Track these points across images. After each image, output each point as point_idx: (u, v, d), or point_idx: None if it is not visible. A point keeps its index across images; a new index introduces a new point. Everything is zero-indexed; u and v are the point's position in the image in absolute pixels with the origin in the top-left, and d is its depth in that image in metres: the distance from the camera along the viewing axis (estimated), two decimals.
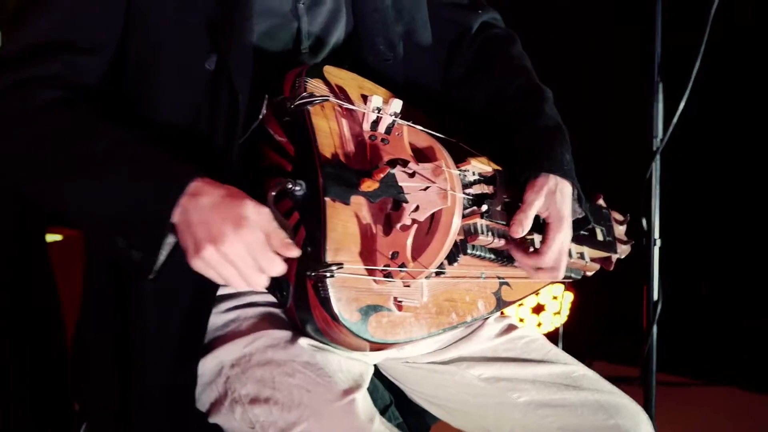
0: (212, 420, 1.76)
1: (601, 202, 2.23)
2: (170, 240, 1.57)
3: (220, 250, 1.52)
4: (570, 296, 3.92)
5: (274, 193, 1.59)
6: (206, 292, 1.73)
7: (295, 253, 1.57)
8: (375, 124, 1.74)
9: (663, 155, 2.54)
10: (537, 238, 1.89)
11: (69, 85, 1.68)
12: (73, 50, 1.68)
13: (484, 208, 1.79)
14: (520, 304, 3.94)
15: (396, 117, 1.74)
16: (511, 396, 1.98)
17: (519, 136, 1.94)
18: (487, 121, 2.02)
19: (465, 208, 1.79)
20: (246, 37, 1.74)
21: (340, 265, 1.60)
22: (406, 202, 1.69)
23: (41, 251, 2.95)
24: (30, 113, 1.64)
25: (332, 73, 1.76)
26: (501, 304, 1.98)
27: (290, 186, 1.61)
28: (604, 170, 3.82)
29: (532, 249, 1.88)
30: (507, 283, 1.99)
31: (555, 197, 1.86)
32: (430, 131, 1.81)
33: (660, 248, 2.57)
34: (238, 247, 1.53)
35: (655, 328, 2.57)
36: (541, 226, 1.89)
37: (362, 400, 1.71)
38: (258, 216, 1.55)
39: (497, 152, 1.91)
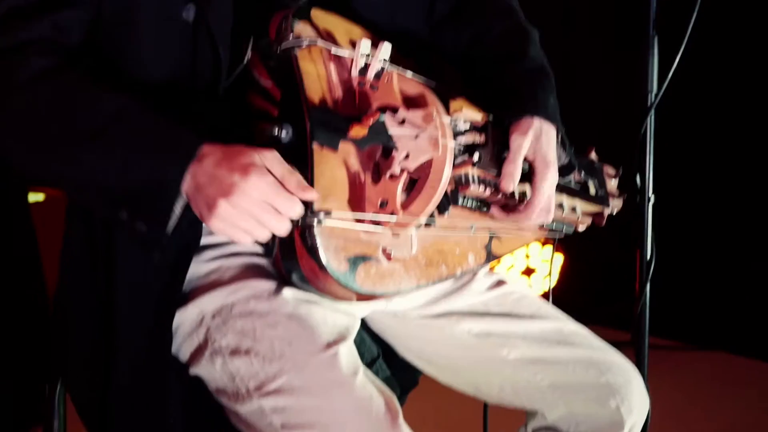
0: (193, 371, 1.72)
1: (593, 155, 2.19)
2: (177, 211, 1.53)
3: (233, 201, 1.47)
4: (560, 258, 3.90)
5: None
6: (188, 247, 1.69)
7: (312, 195, 1.52)
8: (364, 70, 1.70)
9: (657, 111, 2.50)
10: (525, 187, 1.86)
11: (58, 48, 1.62)
12: (56, 6, 1.62)
13: (476, 157, 1.75)
14: (511, 266, 3.92)
15: (385, 63, 1.70)
16: (501, 352, 1.95)
17: (502, 79, 1.90)
18: (472, 64, 1.98)
19: (456, 157, 1.75)
20: None
21: (328, 212, 1.56)
22: (396, 149, 1.65)
23: (23, 211, 2.93)
24: (24, 83, 1.56)
25: (320, 16, 1.71)
26: (491, 257, 1.95)
27: (276, 132, 1.57)
28: (598, 126, 3.77)
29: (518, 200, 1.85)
30: (497, 236, 1.96)
31: (541, 141, 1.82)
32: (419, 76, 1.76)
33: (653, 205, 2.53)
34: (251, 194, 1.48)
35: (647, 287, 2.53)
36: (527, 175, 1.86)
37: (346, 353, 1.68)
38: (265, 160, 1.50)
39: (484, 97, 1.88)
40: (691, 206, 4.31)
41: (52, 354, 1.85)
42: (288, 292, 1.68)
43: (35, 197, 3.02)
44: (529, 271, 3.95)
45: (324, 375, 1.63)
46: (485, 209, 1.85)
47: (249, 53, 1.67)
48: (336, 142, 1.60)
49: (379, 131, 1.64)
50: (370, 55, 1.69)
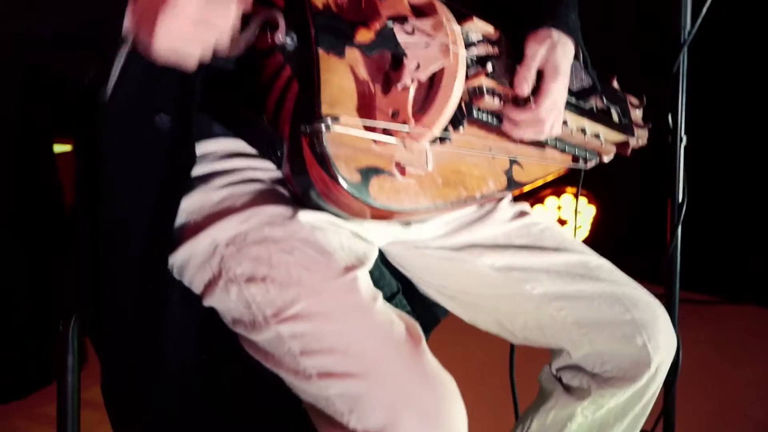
0: (206, 302, 1.65)
1: (615, 84, 2.13)
2: (123, 51, 1.45)
3: (165, 23, 1.39)
4: (592, 210, 3.82)
5: (256, 26, 1.50)
6: (181, 170, 1.64)
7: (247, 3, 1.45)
8: None
9: (691, 48, 2.41)
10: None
11: None
12: None
13: (489, 67, 1.69)
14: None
15: None
16: (525, 287, 1.89)
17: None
18: None
19: (468, 68, 1.69)
20: None
21: (335, 117, 1.50)
22: (405, 56, 1.59)
23: (49, 161, 2.90)
24: None
25: None
26: (512, 184, 1.88)
27: (280, 39, 1.52)
28: (629, 62, 3.66)
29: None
30: (518, 162, 1.90)
31: (556, 50, 1.78)
32: None
33: (685, 147, 2.44)
34: (183, 11, 1.39)
35: (679, 231, 2.45)
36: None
37: (365, 278, 1.61)
38: None
39: (503, 15, 1.82)
40: (724, 150, 4.17)
41: (66, 289, 1.81)
42: (303, 216, 1.62)
43: (61, 148, 2.99)
44: (561, 223, 3.88)
45: (342, 299, 1.57)
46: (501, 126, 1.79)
47: None
48: (342, 47, 1.54)
49: (387, 37, 1.58)
50: None
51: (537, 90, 1.78)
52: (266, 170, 1.68)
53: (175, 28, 1.41)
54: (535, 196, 3.99)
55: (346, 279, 1.58)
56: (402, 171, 1.61)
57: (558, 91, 1.79)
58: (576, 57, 1.86)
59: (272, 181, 1.69)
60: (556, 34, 1.78)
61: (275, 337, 1.56)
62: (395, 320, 1.58)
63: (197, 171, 1.66)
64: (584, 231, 4.01)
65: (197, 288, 1.67)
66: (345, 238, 1.66)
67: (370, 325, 1.55)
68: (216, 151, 1.69)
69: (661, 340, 1.86)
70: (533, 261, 1.90)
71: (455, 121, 1.68)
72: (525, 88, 1.75)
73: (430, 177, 1.67)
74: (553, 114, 1.80)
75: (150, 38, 1.41)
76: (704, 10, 2.35)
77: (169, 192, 1.64)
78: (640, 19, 4.11)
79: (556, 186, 3.86)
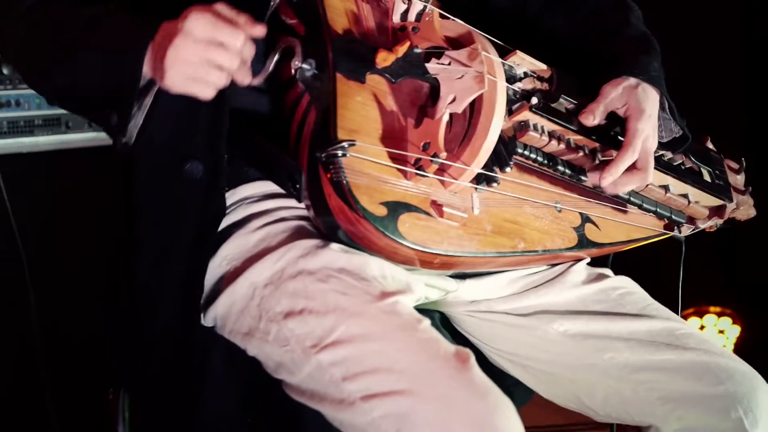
0: (249, 352, 1.59)
1: (709, 144, 1.95)
2: (147, 101, 1.49)
3: (177, 45, 1.42)
4: (736, 331, 3.51)
5: (276, 56, 1.49)
6: (211, 223, 1.60)
7: (259, 30, 1.44)
8: (405, 14, 1.58)
9: None
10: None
11: None
12: None
13: (534, 101, 1.57)
14: None
15: (426, 2, 1.57)
16: (603, 356, 1.70)
17: (600, 49, 1.77)
18: (570, 45, 1.84)
19: (512, 102, 1.58)
20: None
21: (352, 141, 1.41)
22: (435, 84, 1.50)
23: None
24: (23, 13, 1.62)
25: None
26: (586, 243, 1.73)
27: (297, 64, 1.46)
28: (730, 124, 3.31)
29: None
30: (591, 220, 1.74)
31: (636, 92, 1.65)
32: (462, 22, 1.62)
33: None
34: (193, 33, 1.41)
35: None
36: (611, 138, 1.67)
37: (407, 304, 1.51)
38: (196, 12, 1.43)
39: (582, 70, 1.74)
40: None
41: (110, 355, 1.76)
42: (337, 245, 1.54)
43: None
44: None
45: (383, 320, 1.46)
46: (551, 166, 1.65)
47: None
48: (362, 72, 1.47)
49: (413, 62, 1.50)
50: None
51: (624, 132, 1.65)
52: (299, 207, 1.62)
53: (184, 53, 1.41)
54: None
55: (386, 302, 1.48)
56: (440, 211, 1.49)
57: (647, 133, 1.64)
58: (661, 107, 1.72)
59: (307, 216, 1.63)
60: (635, 80, 1.66)
61: (316, 368, 1.47)
62: (441, 339, 1.46)
63: (234, 217, 1.63)
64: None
65: (238, 337, 1.60)
66: (387, 267, 1.55)
67: (413, 342, 1.45)
68: (252, 195, 1.66)
69: (761, 414, 1.62)
70: (612, 328, 1.72)
71: (501, 160, 1.55)
72: (590, 119, 1.64)
73: (477, 222, 1.55)
74: (646, 157, 1.65)
75: (162, 66, 1.42)
76: None
77: (198, 250, 1.60)
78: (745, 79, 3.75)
79: (699, 305, 3.59)
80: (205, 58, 1.41)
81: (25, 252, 2.68)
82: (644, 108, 1.64)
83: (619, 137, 1.65)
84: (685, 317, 3.82)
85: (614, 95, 1.65)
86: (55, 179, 2.88)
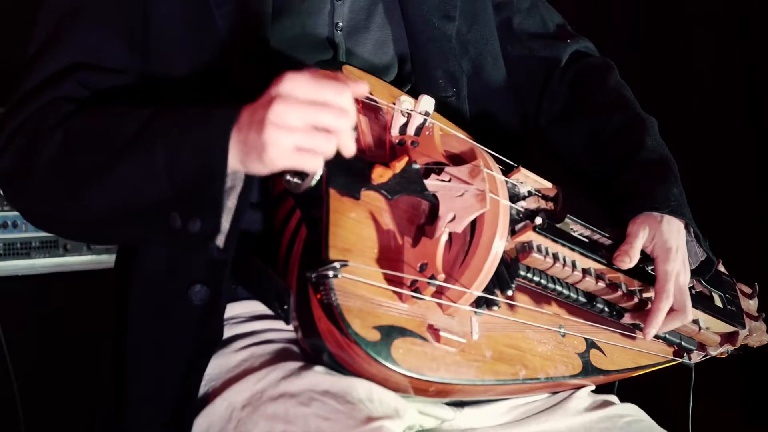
0: None
1: (721, 268, 1.87)
2: (230, 203, 1.37)
3: (276, 112, 1.26)
4: None
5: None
6: (207, 345, 1.52)
7: (363, 88, 1.34)
8: (404, 127, 1.51)
9: None
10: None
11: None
12: (89, 69, 1.55)
13: (538, 221, 1.49)
14: None
15: (427, 116, 1.51)
16: None
17: (617, 178, 1.73)
18: (586, 164, 1.83)
19: (515, 222, 1.50)
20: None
21: (344, 262, 1.33)
22: (434, 201, 1.43)
23: None
24: (51, 129, 1.49)
25: (355, 73, 1.55)
26: (591, 370, 1.64)
27: (290, 178, 1.39)
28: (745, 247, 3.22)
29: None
30: (597, 346, 1.65)
31: (660, 228, 1.62)
32: (462, 135, 1.56)
33: None
34: (293, 94, 1.27)
35: None
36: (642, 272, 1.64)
37: (393, 431, 1.40)
38: (291, 74, 1.29)
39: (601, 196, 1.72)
40: None
41: None
42: (321, 367, 1.45)
43: None
44: None
45: None
46: (559, 294, 1.57)
47: None
48: (357, 189, 1.39)
49: (411, 179, 1.42)
50: (412, 112, 1.50)
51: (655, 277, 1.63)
52: (287, 330, 1.54)
53: (288, 118, 1.28)
54: None
55: (370, 427, 1.37)
56: (436, 336, 1.40)
57: (677, 271, 1.62)
58: (687, 232, 1.68)
59: (294, 340, 1.55)
60: (659, 215, 1.63)
61: None
62: None
63: None
64: None
65: None
66: (376, 389, 1.45)
67: None
68: (239, 314, 1.60)
69: None
70: None
71: (502, 282, 1.47)
72: (626, 261, 1.60)
73: (476, 347, 1.46)
74: (682, 297, 1.63)
75: (260, 143, 1.29)
76: None
77: (192, 372, 1.52)
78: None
79: None
80: (312, 122, 1.28)
81: (14, 374, 2.62)
82: (671, 246, 1.62)
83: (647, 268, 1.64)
84: None
85: (643, 234, 1.61)
86: (47, 302, 2.81)
